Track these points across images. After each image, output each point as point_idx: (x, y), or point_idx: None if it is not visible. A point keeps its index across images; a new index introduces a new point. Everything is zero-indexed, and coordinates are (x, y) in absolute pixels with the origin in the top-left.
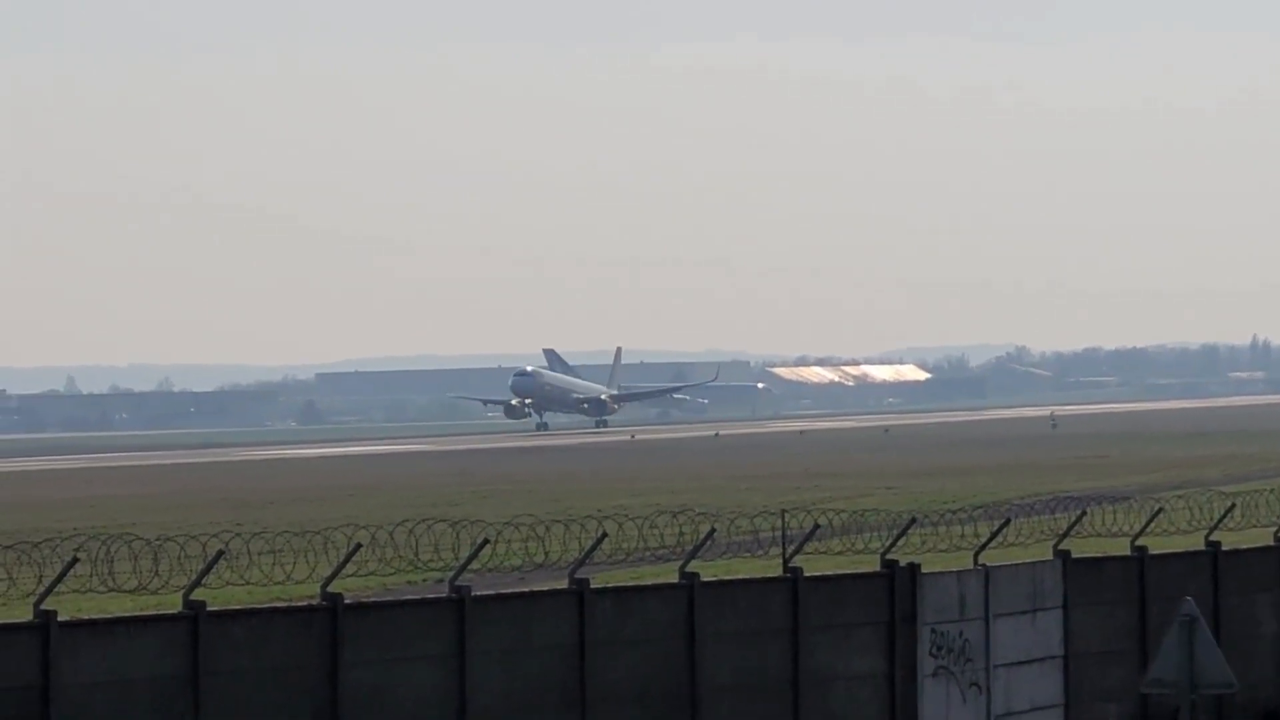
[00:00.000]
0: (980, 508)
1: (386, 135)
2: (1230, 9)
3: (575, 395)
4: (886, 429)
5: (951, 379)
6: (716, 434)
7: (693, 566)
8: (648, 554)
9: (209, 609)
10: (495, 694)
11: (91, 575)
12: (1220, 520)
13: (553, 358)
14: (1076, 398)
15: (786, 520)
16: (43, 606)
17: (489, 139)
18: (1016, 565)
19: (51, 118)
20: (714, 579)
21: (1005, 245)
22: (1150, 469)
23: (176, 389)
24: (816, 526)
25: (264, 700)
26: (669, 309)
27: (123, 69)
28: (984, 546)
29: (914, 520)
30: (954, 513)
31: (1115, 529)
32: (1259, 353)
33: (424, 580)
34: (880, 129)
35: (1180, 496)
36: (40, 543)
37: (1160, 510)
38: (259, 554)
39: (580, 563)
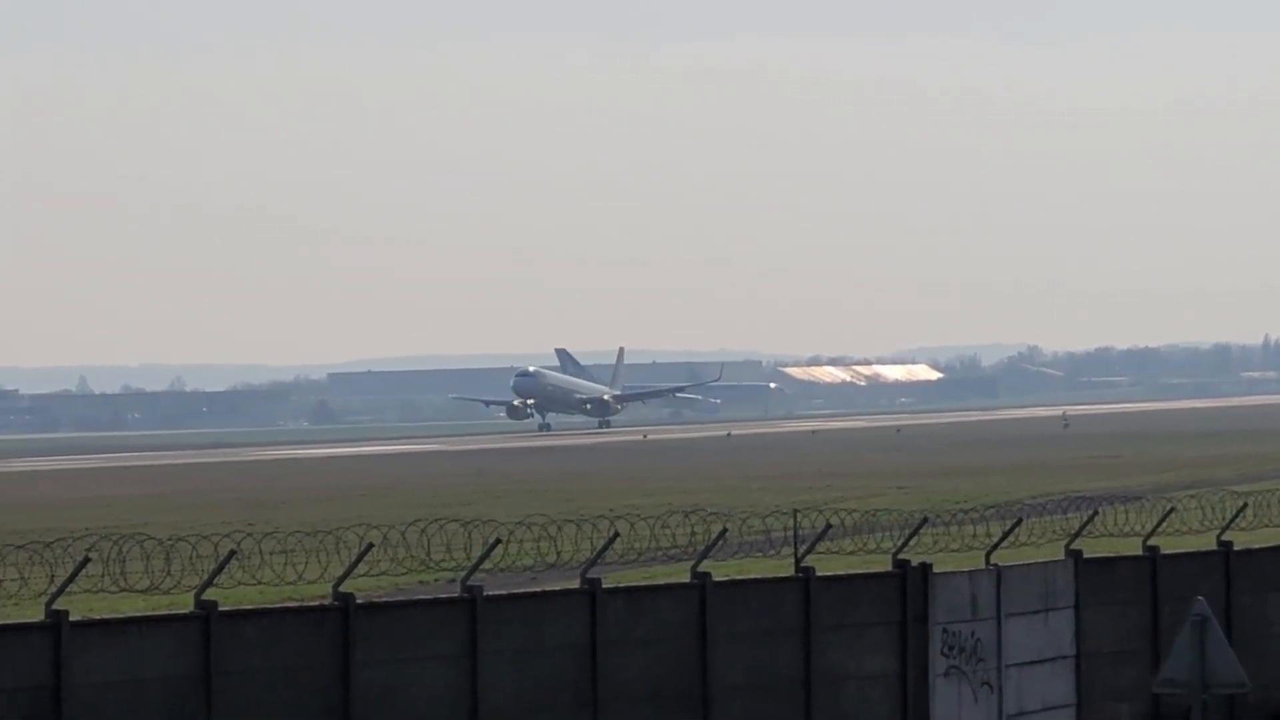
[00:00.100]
0: (992, 507)
1: (396, 136)
2: (1237, 8)
3: (578, 396)
4: (898, 429)
5: (963, 379)
6: (729, 434)
7: (705, 566)
8: (660, 554)
9: (221, 609)
10: (507, 694)
11: (103, 575)
12: (1232, 520)
13: (565, 357)
14: (1088, 397)
15: (798, 520)
16: (55, 606)
17: (499, 140)
18: (1028, 565)
19: (59, 119)
20: (726, 579)
21: (1017, 245)
22: (1162, 469)
23: (188, 389)
24: (828, 526)
25: (276, 700)
26: (681, 309)
27: (128, 70)
28: (996, 546)
29: (926, 520)
30: (966, 512)
31: (1127, 529)
32: (1271, 352)
33: (436, 580)
34: (896, 129)
35: (1192, 496)
36: (52, 542)
37: (1172, 510)
38: (271, 554)
39: (592, 562)
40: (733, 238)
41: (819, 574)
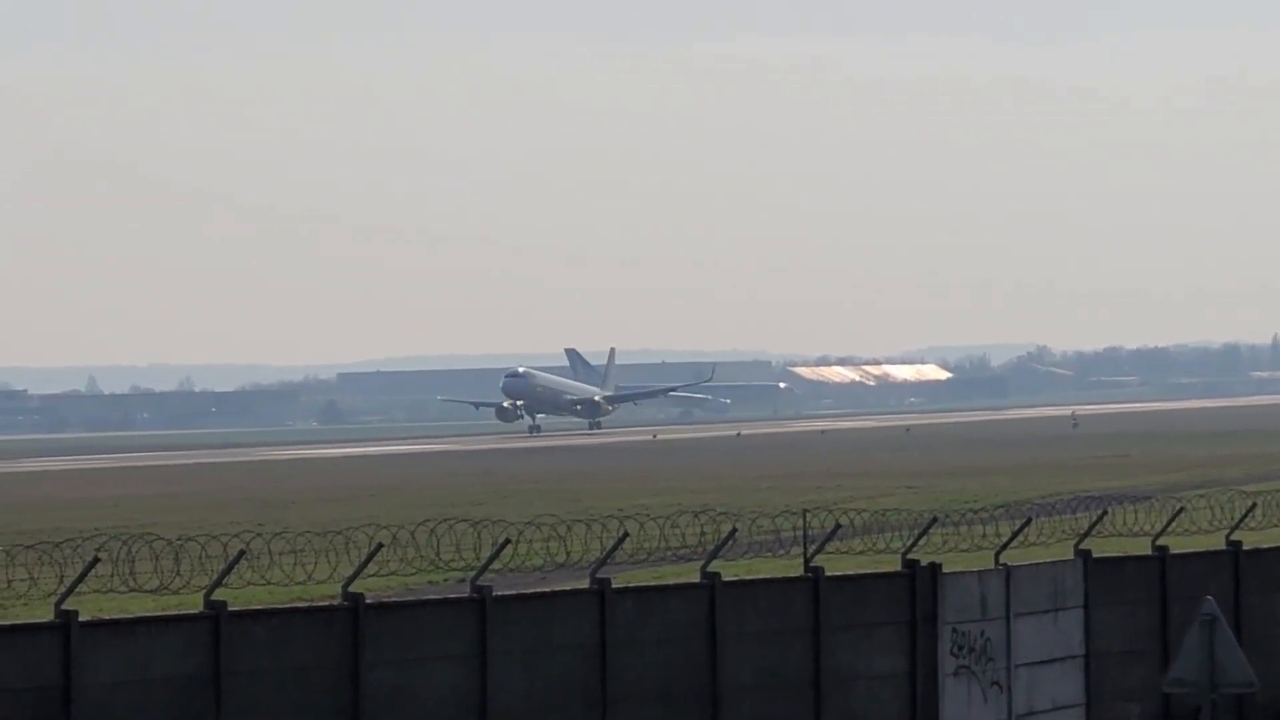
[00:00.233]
0: (1001, 507)
1: (407, 136)
2: (1242, 6)
3: (568, 397)
4: (908, 428)
5: (973, 378)
6: (738, 434)
7: (714, 566)
8: (669, 554)
9: (230, 609)
10: (516, 694)
11: (113, 575)
12: (1241, 520)
13: (574, 357)
14: (1098, 397)
15: (808, 520)
16: (64, 606)
17: (510, 140)
18: (1037, 565)
19: (66, 118)
20: (735, 579)
21: (1026, 245)
22: (1171, 468)
23: (198, 389)
24: (838, 526)
25: (285, 700)
26: (690, 309)
27: (135, 68)
28: (1005, 546)
29: (935, 520)
30: (975, 512)
31: (1136, 528)
32: None
33: (445, 580)
34: (903, 128)
35: (1201, 496)
36: (61, 542)
37: (1181, 510)
38: (280, 554)
39: (601, 562)
40: (742, 238)
41: (828, 574)
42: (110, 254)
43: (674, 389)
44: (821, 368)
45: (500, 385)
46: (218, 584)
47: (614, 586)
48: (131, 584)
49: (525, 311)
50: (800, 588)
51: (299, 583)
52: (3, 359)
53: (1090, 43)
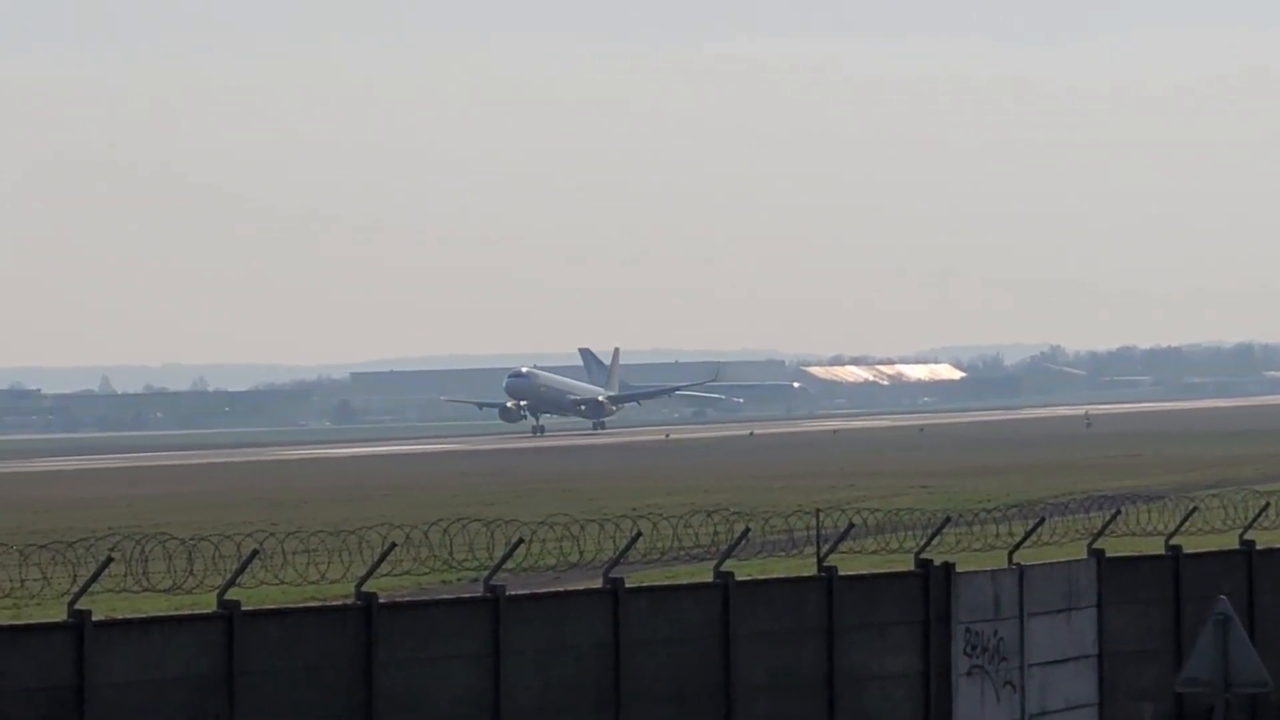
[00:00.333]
0: (1014, 507)
1: (419, 136)
2: (1246, 3)
3: (571, 397)
4: (921, 428)
5: (986, 378)
6: (751, 433)
7: (727, 566)
8: (682, 553)
9: (243, 609)
10: (530, 693)
11: (126, 575)
12: (1255, 519)
13: (588, 357)
14: (1111, 397)
15: (821, 519)
16: (77, 606)
17: (524, 139)
18: (1051, 564)
19: (74, 119)
20: (749, 578)
21: (1040, 244)
22: (1185, 468)
23: (211, 388)
24: (851, 526)
25: (298, 700)
26: (703, 309)
27: (146, 68)
28: (1018, 546)
29: (948, 519)
30: (988, 512)
31: (1150, 528)
32: None
33: (459, 580)
34: (916, 126)
35: (1215, 495)
36: (75, 542)
37: (1195, 509)
38: (293, 553)
39: (615, 562)
40: (757, 238)
41: (841, 573)
42: (124, 254)
43: (677, 389)
44: (835, 367)
45: (504, 385)
46: (231, 584)
47: (627, 586)
48: (145, 584)
49: (538, 312)
50: (814, 587)
51: (312, 582)
52: (16, 359)
53: (1100, 39)
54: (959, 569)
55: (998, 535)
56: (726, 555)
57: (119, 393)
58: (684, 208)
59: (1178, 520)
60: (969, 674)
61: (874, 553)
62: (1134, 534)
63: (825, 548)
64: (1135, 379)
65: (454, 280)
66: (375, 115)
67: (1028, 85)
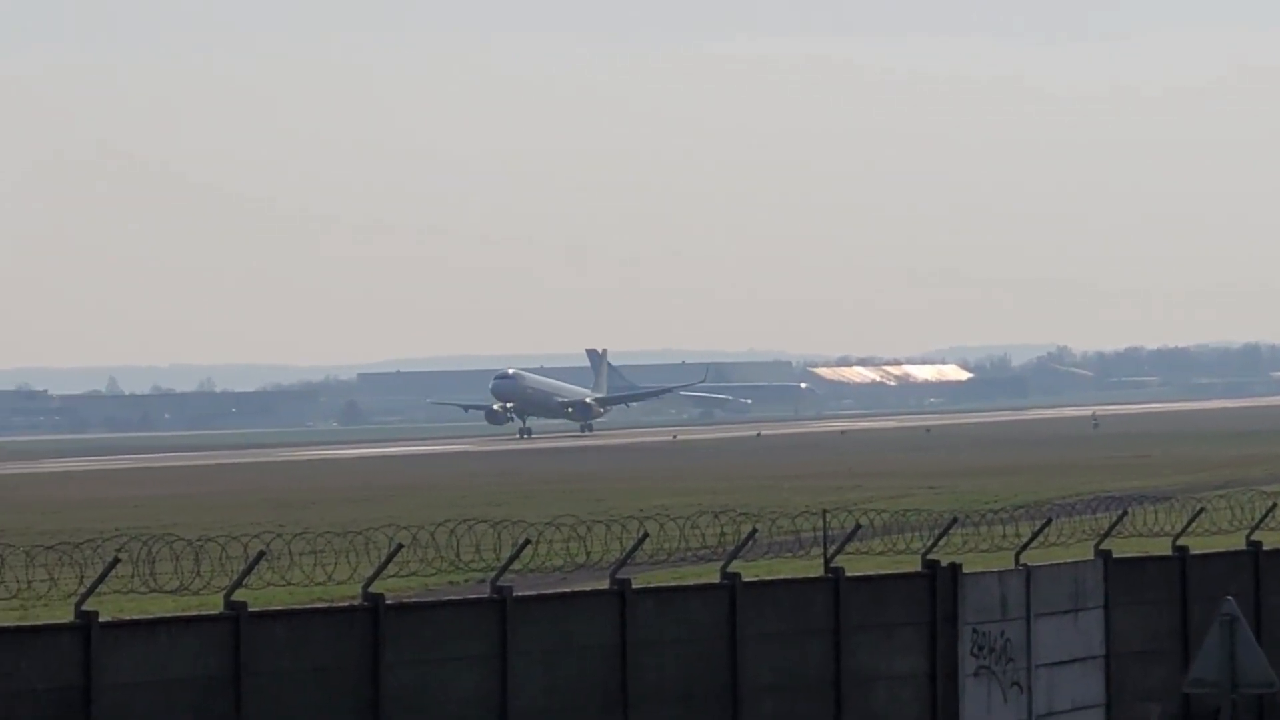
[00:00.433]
0: (1021, 507)
1: (426, 136)
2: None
3: (558, 399)
4: (928, 429)
5: (993, 379)
6: (758, 434)
7: (734, 567)
8: (689, 554)
9: (250, 610)
10: (537, 694)
11: (133, 576)
12: (1262, 520)
13: (595, 358)
14: (1118, 397)
15: (828, 520)
16: (84, 607)
17: (530, 139)
18: (1058, 565)
19: (80, 120)
20: (756, 579)
21: (1047, 245)
22: (1192, 469)
23: (218, 389)
24: (858, 526)
25: (305, 701)
26: (710, 309)
27: (153, 68)
28: (1025, 546)
29: (955, 520)
30: (995, 512)
31: (1157, 529)
32: None
33: (465, 581)
34: (920, 125)
35: (1222, 496)
36: (82, 543)
37: (1202, 510)
38: (300, 554)
39: (622, 563)
40: (763, 238)
41: (849, 574)
42: (131, 255)
43: (668, 390)
44: (842, 368)
45: (490, 388)
46: (238, 584)
47: (634, 587)
48: (152, 584)
49: (545, 311)
50: (820, 588)
51: (319, 583)
52: (24, 360)
53: (1105, 38)
54: (966, 570)
55: (1004, 536)
56: (733, 556)
57: (126, 393)
58: (689, 208)
59: (1185, 521)
60: (976, 674)
61: (881, 553)
62: (1141, 535)
63: (832, 548)
64: (1142, 379)
65: (463, 281)
66: (376, 115)
67: (1028, 85)
